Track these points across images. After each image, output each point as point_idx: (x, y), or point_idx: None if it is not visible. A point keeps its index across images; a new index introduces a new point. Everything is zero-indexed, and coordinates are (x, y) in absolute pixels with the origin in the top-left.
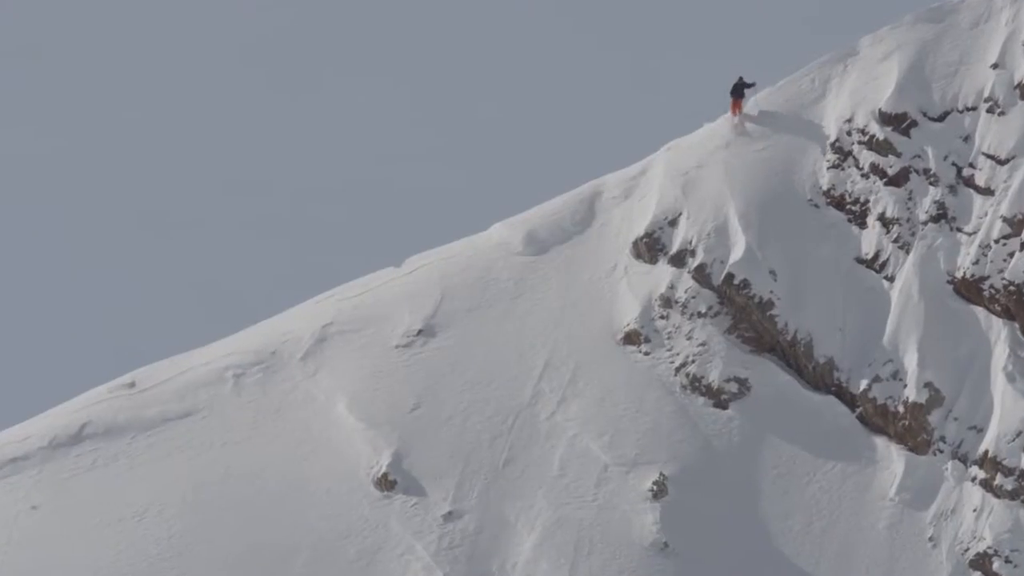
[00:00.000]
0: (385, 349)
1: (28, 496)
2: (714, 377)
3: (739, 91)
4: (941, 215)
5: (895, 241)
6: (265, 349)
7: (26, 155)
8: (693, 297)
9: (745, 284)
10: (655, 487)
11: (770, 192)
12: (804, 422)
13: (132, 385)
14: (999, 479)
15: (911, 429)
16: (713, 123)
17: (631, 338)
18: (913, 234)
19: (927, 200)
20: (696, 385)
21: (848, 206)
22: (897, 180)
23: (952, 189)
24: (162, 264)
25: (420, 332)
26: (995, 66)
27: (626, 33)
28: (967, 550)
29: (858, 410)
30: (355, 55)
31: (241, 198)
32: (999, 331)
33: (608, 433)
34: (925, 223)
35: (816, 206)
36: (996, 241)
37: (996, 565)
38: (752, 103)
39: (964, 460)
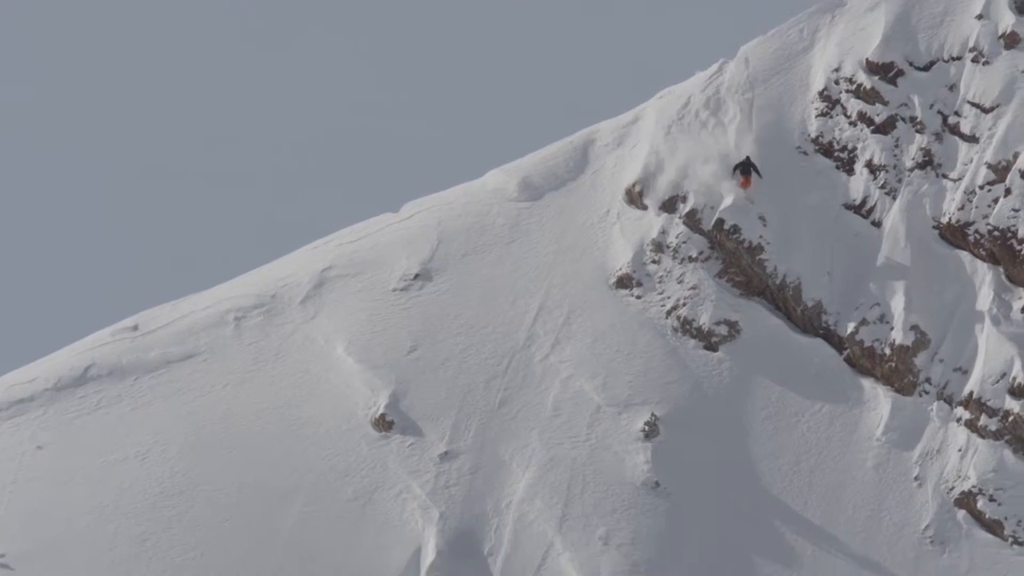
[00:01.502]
0: (383, 293)
1: (34, 436)
2: (704, 320)
3: (747, 169)
4: (927, 162)
5: (882, 187)
6: (265, 293)
7: (20, 103)
8: (684, 242)
9: (735, 229)
10: (647, 427)
11: (760, 140)
12: (793, 364)
13: (135, 328)
14: (983, 420)
15: (897, 371)
16: (705, 72)
17: (623, 282)
18: (900, 180)
19: (913, 147)
20: (687, 328)
21: (836, 153)
22: (884, 128)
23: (938, 137)
24: (162, 213)
25: (417, 276)
26: (980, 17)
27: None
28: (952, 489)
29: (845, 352)
30: (344, 6)
31: (236, 149)
32: (984, 275)
33: (601, 375)
34: (911, 170)
35: (805, 153)
36: (981, 187)
37: (980, 503)
38: (741, 53)
39: (949, 401)
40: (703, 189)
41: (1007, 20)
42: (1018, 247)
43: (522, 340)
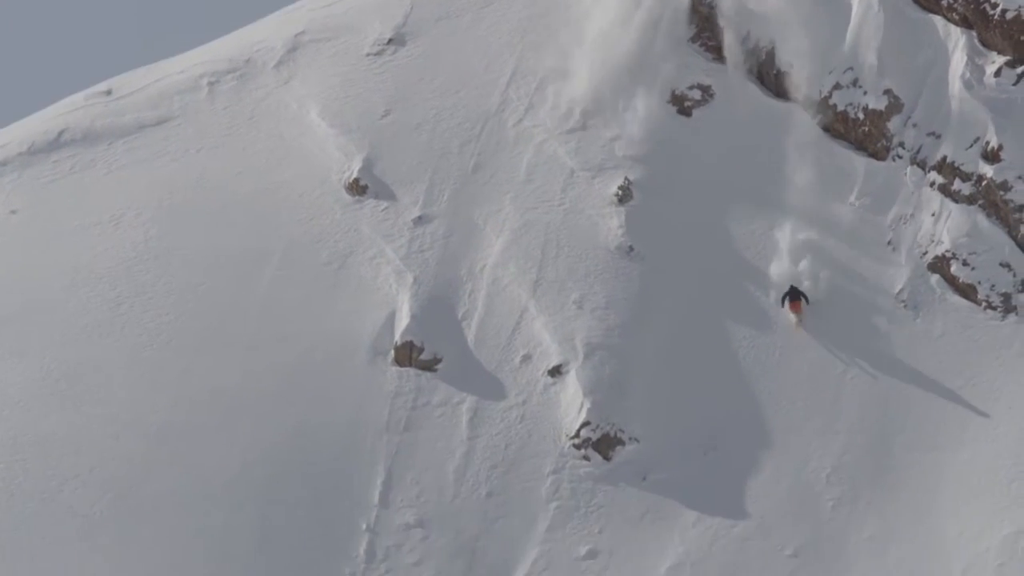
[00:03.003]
0: (356, 57)
1: (8, 201)
2: (678, 84)
3: (796, 295)
4: None
5: None
6: (239, 57)
7: None
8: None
9: None
10: (620, 191)
11: None
12: (766, 129)
13: (108, 92)
14: (957, 184)
15: (870, 135)
16: None
17: None
18: None
19: None
20: (661, 92)
21: None
22: None
23: None
24: None
25: (390, 41)
26: None
27: None
28: (925, 253)
29: (819, 117)
30: None
31: None
32: (957, 39)
33: (574, 139)
34: None
35: None
36: None
37: (954, 268)
38: None
39: (923, 165)
40: None
41: None
42: (991, 11)
43: (496, 104)
